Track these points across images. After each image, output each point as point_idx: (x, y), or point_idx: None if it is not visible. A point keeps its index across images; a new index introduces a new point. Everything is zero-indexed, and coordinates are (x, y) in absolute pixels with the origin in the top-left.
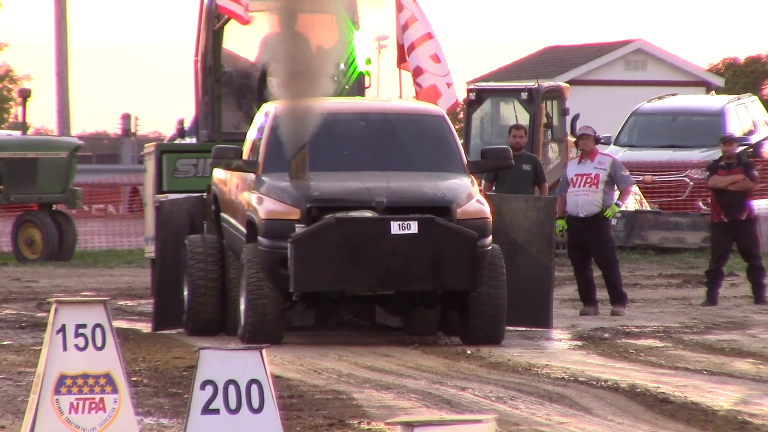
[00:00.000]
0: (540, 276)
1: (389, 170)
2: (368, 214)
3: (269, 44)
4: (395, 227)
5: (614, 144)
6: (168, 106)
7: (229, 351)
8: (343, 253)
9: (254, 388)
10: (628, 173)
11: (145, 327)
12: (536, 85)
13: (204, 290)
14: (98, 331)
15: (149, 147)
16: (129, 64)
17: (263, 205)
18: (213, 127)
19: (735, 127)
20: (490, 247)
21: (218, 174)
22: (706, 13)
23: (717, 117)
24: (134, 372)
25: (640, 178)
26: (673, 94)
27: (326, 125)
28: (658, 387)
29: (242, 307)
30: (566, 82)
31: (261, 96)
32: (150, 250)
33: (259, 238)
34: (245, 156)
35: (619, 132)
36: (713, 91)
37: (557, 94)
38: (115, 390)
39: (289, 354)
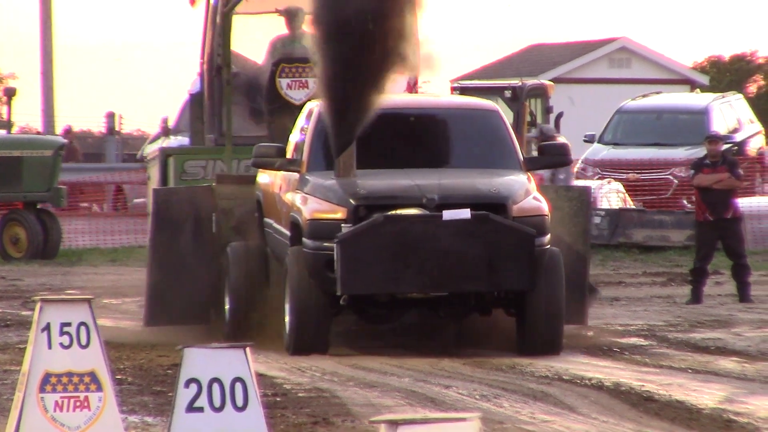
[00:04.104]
0: (574, 270)
1: (441, 167)
2: (418, 211)
3: (278, 46)
4: (447, 215)
5: (599, 142)
6: (152, 104)
7: (213, 349)
8: (393, 253)
9: (238, 386)
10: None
11: (130, 325)
12: (520, 84)
13: (246, 300)
14: (83, 329)
15: (152, 153)
16: (113, 62)
17: (308, 205)
18: (221, 130)
19: (720, 125)
20: (548, 247)
21: (262, 179)
22: (691, 11)
23: (701, 115)
24: (119, 370)
25: (625, 176)
26: (657, 92)
27: (374, 121)
28: (643, 385)
29: (287, 313)
30: (550, 80)
31: (271, 98)
32: None
33: (304, 239)
34: (289, 156)
35: (604, 130)
36: (698, 89)
37: (541, 93)
38: (99, 388)
39: (272, 352)
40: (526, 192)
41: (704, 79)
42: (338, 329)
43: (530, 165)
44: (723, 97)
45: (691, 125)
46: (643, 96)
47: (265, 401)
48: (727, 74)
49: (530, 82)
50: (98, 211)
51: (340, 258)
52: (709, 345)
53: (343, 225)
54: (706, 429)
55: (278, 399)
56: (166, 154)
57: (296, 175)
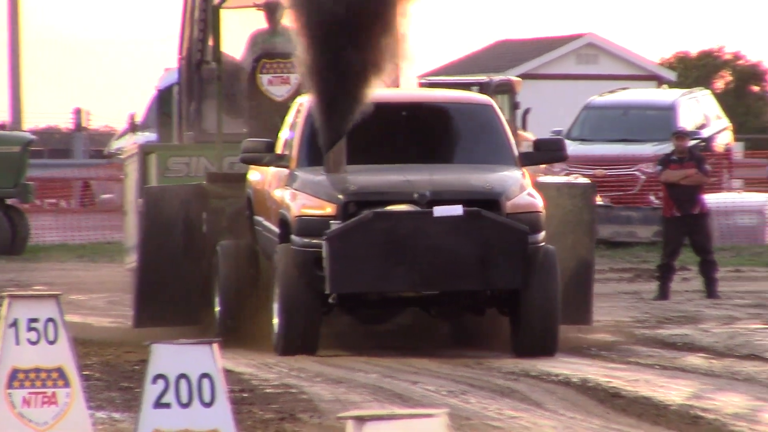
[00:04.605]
0: (578, 269)
1: (433, 163)
2: (409, 207)
3: (258, 41)
4: (438, 211)
5: (566, 138)
6: (119, 100)
7: (180, 345)
8: (383, 250)
9: (205, 382)
10: None
11: (96, 321)
12: (487, 80)
13: (237, 300)
14: (50, 325)
15: (129, 150)
16: (81, 58)
17: (296, 201)
18: (200, 127)
19: (687, 121)
20: (542, 244)
21: (252, 176)
22: (658, 7)
23: (669, 111)
24: (86, 366)
25: (592, 172)
26: (624, 88)
27: (365, 116)
28: (610, 381)
29: (275, 313)
30: (517, 76)
31: (251, 94)
32: (130, 261)
33: (293, 236)
34: (278, 152)
35: (571, 126)
36: (665, 85)
37: (508, 89)
38: (67, 384)
39: (240, 348)
40: (520, 188)
41: (671, 75)
42: (332, 330)
43: (525, 160)
44: (690, 92)
45: (658, 121)
46: (611, 92)
47: (233, 397)
48: (694, 70)
49: (497, 78)
50: (66, 207)
51: (329, 255)
52: (676, 341)
53: (332, 222)
54: (673, 425)
55: (245, 395)
56: (146, 150)
57: (286, 171)
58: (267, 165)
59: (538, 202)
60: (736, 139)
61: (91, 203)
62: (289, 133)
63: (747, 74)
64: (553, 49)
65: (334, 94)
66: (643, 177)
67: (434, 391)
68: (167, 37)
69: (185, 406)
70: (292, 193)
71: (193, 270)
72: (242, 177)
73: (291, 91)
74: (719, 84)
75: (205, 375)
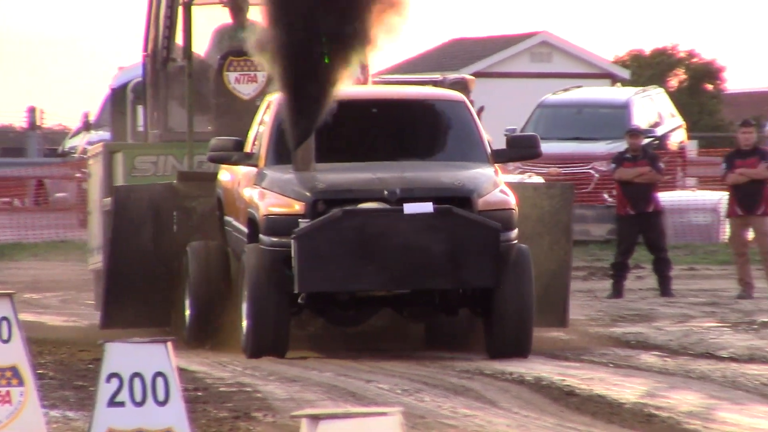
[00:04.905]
0: (554, 271)
1: (404, 160)
2: (379, 205)
3: (223, 37)
4: (408, 208)
5: None
6: (73, 99)
7: (134, 344)
8: (352, 249)
9: (159, 380)
10: None
11: (50, 320)
12: (441, 78)
13: (207, 301)
14: (4, 324)
15: (94, 149)
16: (35, 56)
17: (265, 200)
18: (165, 125)
19: (640, 119)
20: (515, 242)
21: (223, 176)
22: (612, 5)
23: (622, 109)
24: (40, 365)
25: (546, 170)
26: (578, 87)
27: (335, 113)
28: (564, 380)
29: (244, 314)
30: (471, 75)
31: (218, 92)
32: (94, 261)
33: (261, 236)
34: (248, 149)
35: (525, 124)
36: (619, 84)
37: (462, 87)
38: (21, 383)
39: (194, 347)
40: (492, 185)
41: (625, 74)
42: (304, 333)
43: (498, 157)
44: (644, 91)
45: (612, 119)
46: (564, 90)
47: (187, 396)
48: (648, 68)
49: (451, 76)
50: (20, 206)
51: (297, 254)
52: (630, 339)
53: (300, 220)
54: (627, 423)
55: (200, 393)
56: (112, 149)
57: (254, 170)
58: (235, 164)
59: (511, 199)
60: (690, 138)
61: (45, 202)
62: (258, 131)
63: (701, 72)
64: (507, 47)
65: (303, 90)
66: (596, 175)
67: (388, 389)
68: (121, 35)
69: (139, 404)
70: (260, 191)
71: (163, 271)
72: (213, 176)
73: (258, 89)
74: (673, 82)
75: (159, 374)
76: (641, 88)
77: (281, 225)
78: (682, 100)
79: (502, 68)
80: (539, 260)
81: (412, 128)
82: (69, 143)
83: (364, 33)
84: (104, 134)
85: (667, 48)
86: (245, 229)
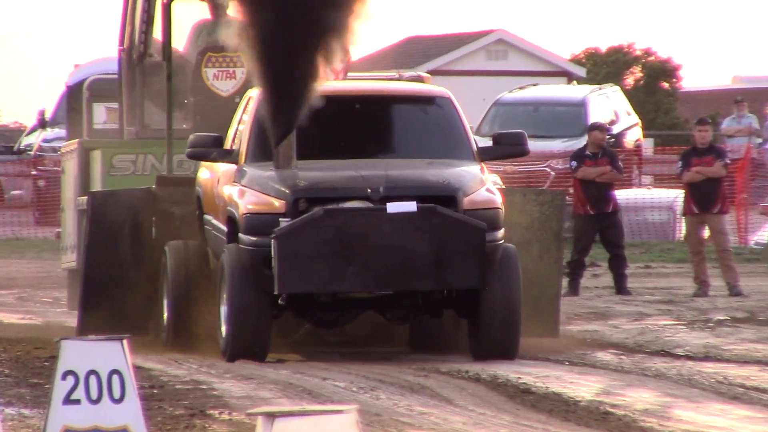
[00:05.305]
0: (544, 279)
1: (388, 157)
2: (362, 204)
3: (202, 32)
4: (392, 207)
5: (476, 134)
6: (29, 96)
7: (90, 341)
8: (334, 248)
9: (115, 378)
10: None
11: (6, 317)
12: (397, 75)
13: (185, 302)
14: None
15: (69, 146)
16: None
17: (244, 198)
18: (142, 122)
19: (597, 117)
20: (501, 242)
21: (202, 174)
22: (568, 3)
23: (579, 107)
24: None
25: (502, 168)
26: (534, 85)
27: (317, 109)
28: (520, 378)
29: (222, 316)
30: (427, 73)
31: (196, 89)
32: (68, 260)
33: (240, 235)
34: (227, 146)
35: (481, 122)
36: (575, 81)
37: None
38: None
39: (150, 344)
40: (478, 183)
41: (581, 71)
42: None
43: (484, 155)
44: (600, 89)
45: (568, 117)
46: (520, 88)
47: (142, 393)
48: (604, 66)
49: (407, 74)
50: None
51: (277, 254)
52: (586, 337)
53: (281, 219)
54: (582, 421)
55: (155, 391)
56: (88, 146)
57: (234, 167)
58: (214, 160)
59: (497, 198)
60: (646, 136)
61: (1, 199)
62: (237, 128)
63: (657, 70)
64: (463, 45)
65: (283, 86)
66: (552, 173)
67: (344, 387)
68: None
69: (95, 402)
70: (240, 189)
71: (141, 276)
72: (192, 180)
73: (237, 86)
74: (629, 80)
75: (114, 371)
76: (597, 86)
77: (261, 224)
78: (638, 98)
79: (458, 66)
80: (529, 269)
81: (396, 125)
82: (25, 141)
83: (342, 23)
84: (60, 131)
85: (623, 46)
86: (225, 228)
